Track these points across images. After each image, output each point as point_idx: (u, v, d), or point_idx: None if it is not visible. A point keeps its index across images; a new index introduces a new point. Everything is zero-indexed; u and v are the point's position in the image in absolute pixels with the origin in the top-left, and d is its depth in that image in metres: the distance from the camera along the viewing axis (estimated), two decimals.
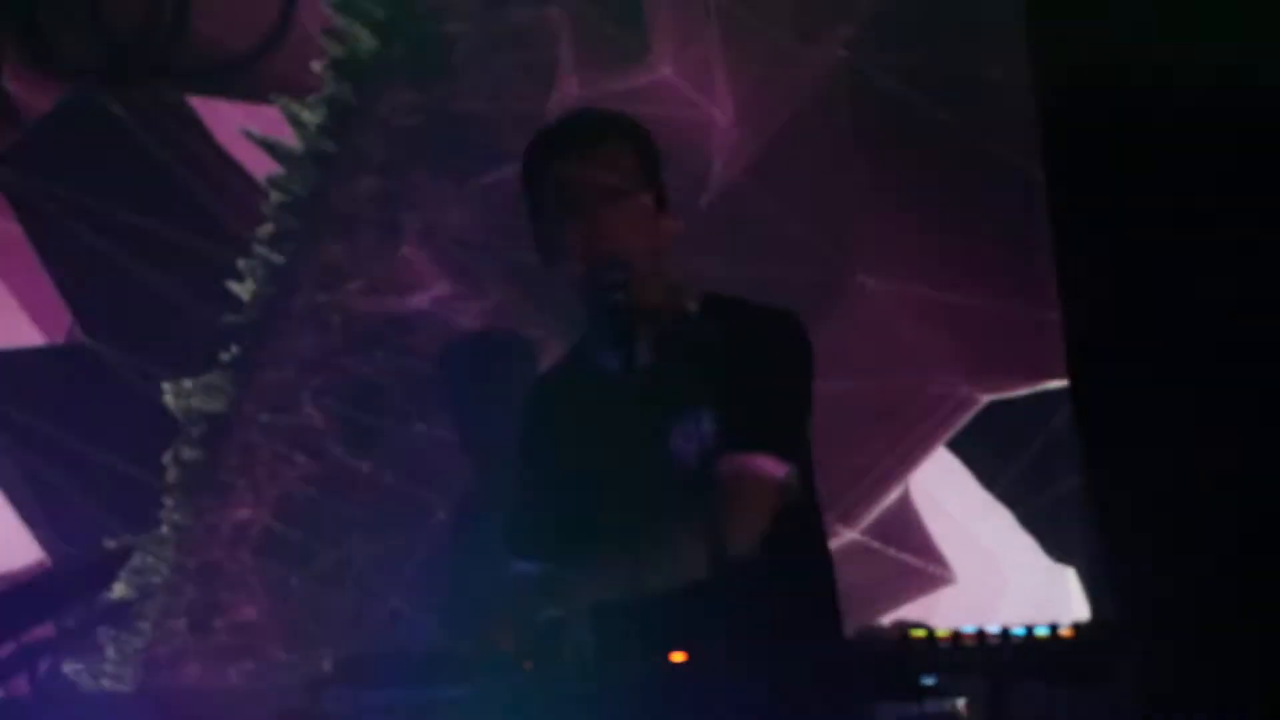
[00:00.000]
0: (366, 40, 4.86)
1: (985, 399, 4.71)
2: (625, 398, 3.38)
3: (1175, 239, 4.35)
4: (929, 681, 2.97)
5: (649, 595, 3.23)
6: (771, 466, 3.37)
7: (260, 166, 4.91)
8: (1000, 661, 2.81)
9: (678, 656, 2.76)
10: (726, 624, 2.80)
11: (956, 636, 2.80)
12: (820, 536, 3.55)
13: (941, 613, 4.63)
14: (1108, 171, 4.31)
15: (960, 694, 2.96)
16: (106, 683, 4.87)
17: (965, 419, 4.71)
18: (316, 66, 4.85)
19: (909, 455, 4.70)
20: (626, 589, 3.24)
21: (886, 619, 4.62)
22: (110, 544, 4.87)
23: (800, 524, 3.46)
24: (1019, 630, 2.80)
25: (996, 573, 4.68)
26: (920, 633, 2.81)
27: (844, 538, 4.69)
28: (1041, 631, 2.80)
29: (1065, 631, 2.80)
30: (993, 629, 2.81)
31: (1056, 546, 4.65)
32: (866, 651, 2.82)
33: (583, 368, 3.52)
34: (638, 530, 3.30)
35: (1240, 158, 4.18)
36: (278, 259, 4.88)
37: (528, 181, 3.54)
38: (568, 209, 3.43)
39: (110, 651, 4.89)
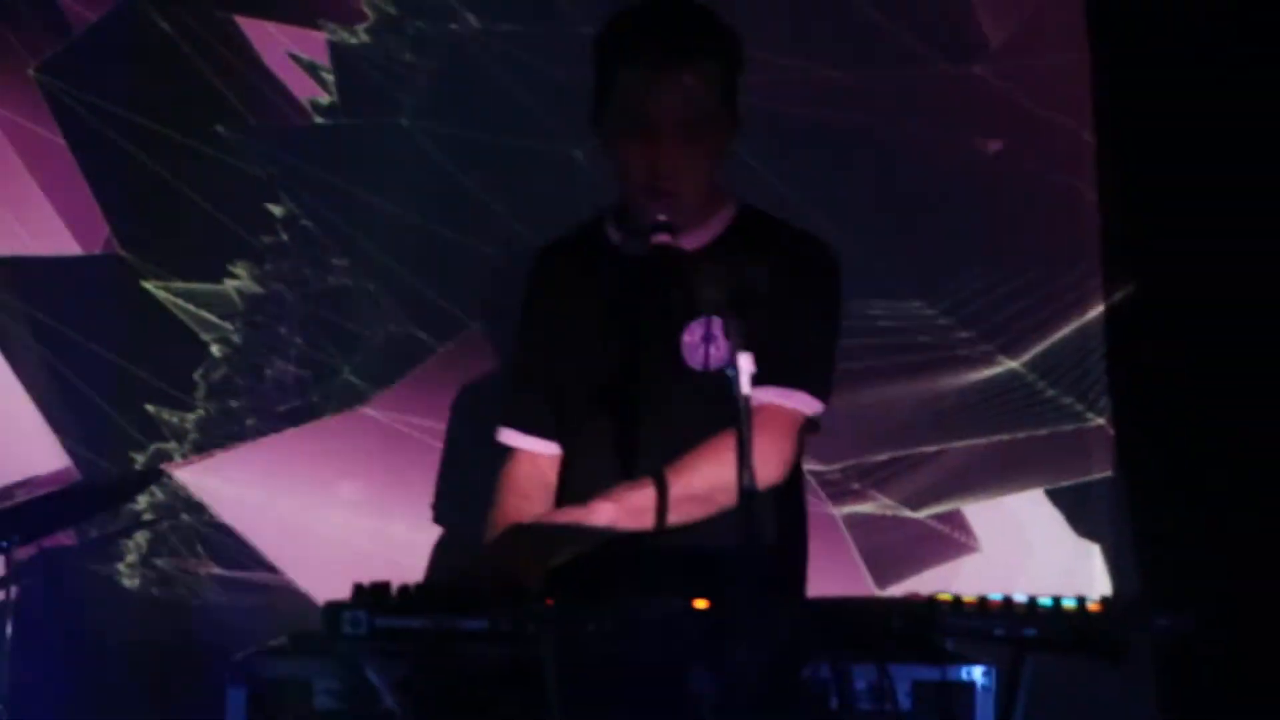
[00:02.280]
0: None
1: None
2: (638, 283, 3.34)
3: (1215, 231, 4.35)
4: (950, 646, 2.95)
5: (673, 523, 3.22)
6: (807, 403, 3.34)
7: (304, 89, 4.88)
8: (1024, 631, 2.78)
9: (701, 604, 2.74)
10: (747, 568, 2.78)
11: (983, 603, 2.77)
12: (801, 479, 3.50)
13: (964, 580, 4.60)
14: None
15: (981, 661, 2.94)
16: (125, 585, 4.87)
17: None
18: None
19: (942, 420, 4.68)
20: (648, 520, 3.22)
21: (908, 583, 4.61)
22: (138, 459, 4.87)
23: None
24: (1046, 601, 2.77)
25: (1021, 544, 4.64)
26: (946, 597, 2.78)
27: (871, 501, 4.66)
28: (1069, 603, 2.77)
29: (1093, 605, 2.77)
30: (1019, 598, 2.78)
31: (1083, 522, 4.62)
32: (892, 612, 2.80)
33: (598, 242, 3.46)
34: (641, 422, 3.26)
35: None
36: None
37: (597, 68, 3.35)
38: (633, 129, 3.32)
39: (131, 559, 4.88)
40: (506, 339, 3.84)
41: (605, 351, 3.40)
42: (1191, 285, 4.39)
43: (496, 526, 3.41)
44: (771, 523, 3.36)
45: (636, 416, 3.34)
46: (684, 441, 3.25)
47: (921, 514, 4.65)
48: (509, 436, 3.55)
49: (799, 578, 3.49)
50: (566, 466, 3.48)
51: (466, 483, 4.47)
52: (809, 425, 3.41)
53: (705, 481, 3.20)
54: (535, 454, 3.51)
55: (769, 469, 3.22)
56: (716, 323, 3.26)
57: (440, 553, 4.72)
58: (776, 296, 3.12)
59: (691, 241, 3.37)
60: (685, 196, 3.33)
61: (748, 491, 2.72)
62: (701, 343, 3.31)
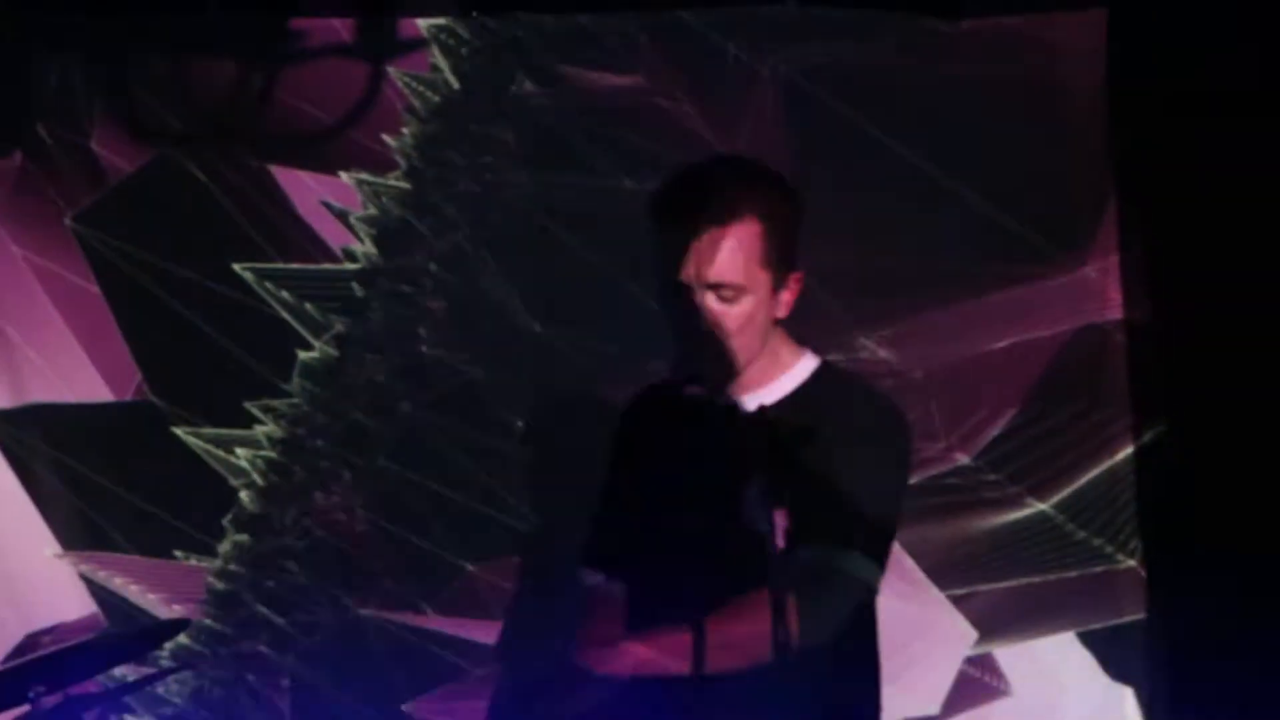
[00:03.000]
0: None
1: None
2: (716, 440, 3.33)
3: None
4: None
5: (705, 670, 3.19)
6: (862, 566, 3.31)
7: (337, 238, 4.94)
8: None
9: None
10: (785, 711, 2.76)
11: None
12: (874, 627, 3.49)
13: None
14: None
15: None
16: None
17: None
18: (389, 140, 4.89)
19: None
20: (681, 666, 3.20)
21: None
22: (167, 612, 4.87)
23: (864, 616, 3.41)
24: None
25: (1053, 688, 4.60)
26: None
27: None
28: None
29: None
30: None
31: (1115, 665, 4.58)
32: None
33: (680, 393, 3.43)
34: (702, 577, 3.25)
35: None
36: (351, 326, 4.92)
37: (651, 224, 3.39)
38: (669, 287, 3.34)
39: (155, 711, 4.87)
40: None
41: (674, 503, 3.41)
42: (1223, 422, 4.39)
43: None
44: (829, 676, 3.32)
45: (696, 569, 3.35)
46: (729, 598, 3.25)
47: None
48: (590, 576, 3.54)
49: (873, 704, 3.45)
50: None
51: None
52: (867, 590, 3.36)
53: (741, 631, 3.18)
54: (614, 596, 3.50)
55: (813, 626, 3.19)
56: (774, 490, 3.26)
57: None
58: (840, 459, 3.11)
59: (756, 400, 3.36)
60: (730, 356, 3.33)
61: (782, 645, 2.72)
62: (759, 509, 3.31)
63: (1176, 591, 4.49)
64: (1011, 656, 4.63)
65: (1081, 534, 4.62)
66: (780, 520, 2.78)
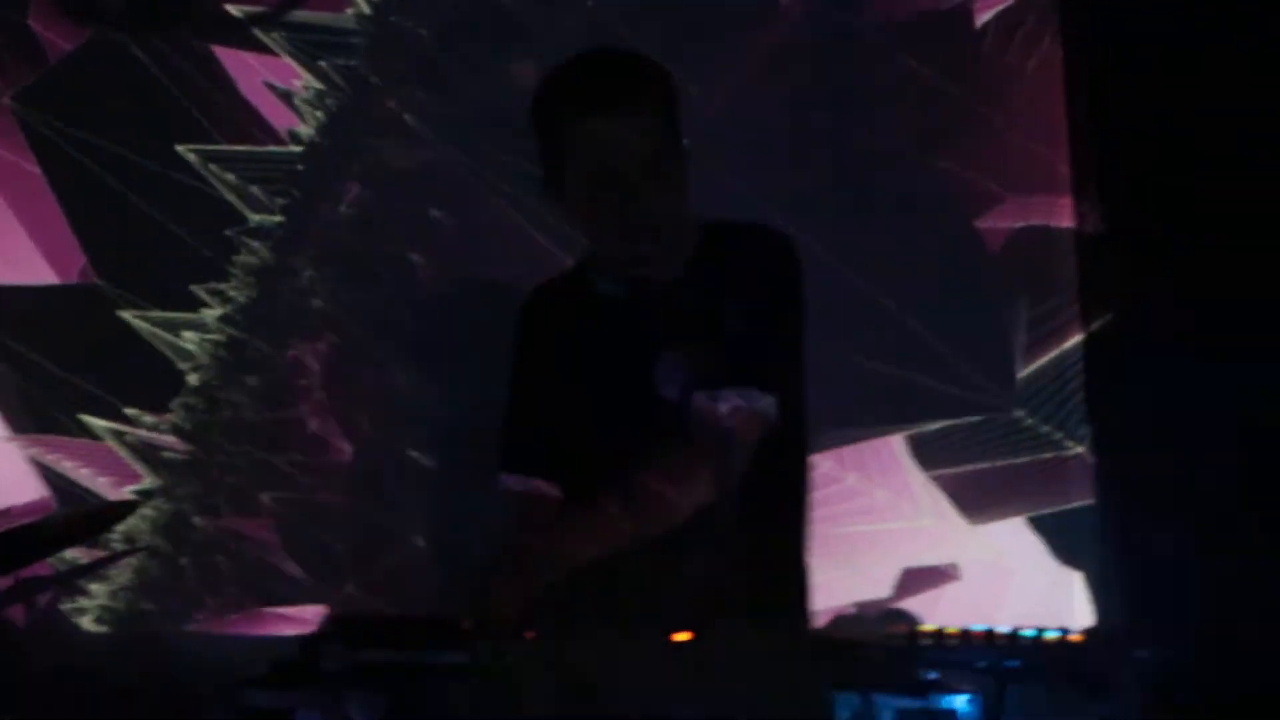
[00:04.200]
0: None
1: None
2: (621, 324, 3.35)
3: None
4: (933, 676, 2.94)
5: (639, 544, 3.22)
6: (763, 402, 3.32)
7: (281, 119, 4.88)
8: (1007, 662, 2.79)
9: (682, 636, 2.73)
10: (716, 589, 2.78)
11: (965, 635, 2.77)
12: (801, 475, 3.49)
13: (944, 608, 4.60)
14: None
15: (965, 689, 2.93)
16: (99, 625, 4.85)
17: None
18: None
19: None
20: (618, 541, 3.22)
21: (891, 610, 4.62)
22: (117, 494, 4.86)
23: (782, 462, 3.42)
24: (1029, 632, 2.77)
25: (1001, 572, 4.64)
26: (929, 628, 2.78)
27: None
28: (1051, 634, 2.77)
29: (1075, 636, 2.77)
30: (1002, 629, 2.78)
31: (1064, 550, 4.62)
32: (874, 645, 2.80)
33: (583, 287, 3.45)
34: (624, 461, 3.26)
35: None
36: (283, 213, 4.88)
37: (545, 130, 3.37)
38: (601, 181, 3.34)
39: (104, 594, 4.87)
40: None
41: (591, 392, 3.41)
42: (1170, 311, 4.40)
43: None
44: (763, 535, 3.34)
45: (623, 453, 3.34)
46: None
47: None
48: (514, 482, 3.53)
49: (800, 597, 3.47)
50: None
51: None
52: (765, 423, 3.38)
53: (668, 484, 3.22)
54: (542, 496, 3.50)
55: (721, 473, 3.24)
56: (681, 358, 3.28)
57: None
58: (739, 310, 3.14)
59: (664, 274, 3.37)
60: (665, 232, 3.33)
61: (727, 517, 2.73)
62: (671, 381, 3.32)
63: (1124, 477, 4.52)
64: (961, 541, 4.65)
65: (1030, 420, 4.63)
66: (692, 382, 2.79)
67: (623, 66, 3.37)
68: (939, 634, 2.77)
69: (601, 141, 3.29)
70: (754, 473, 3.23)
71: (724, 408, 3.21)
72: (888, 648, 2.79)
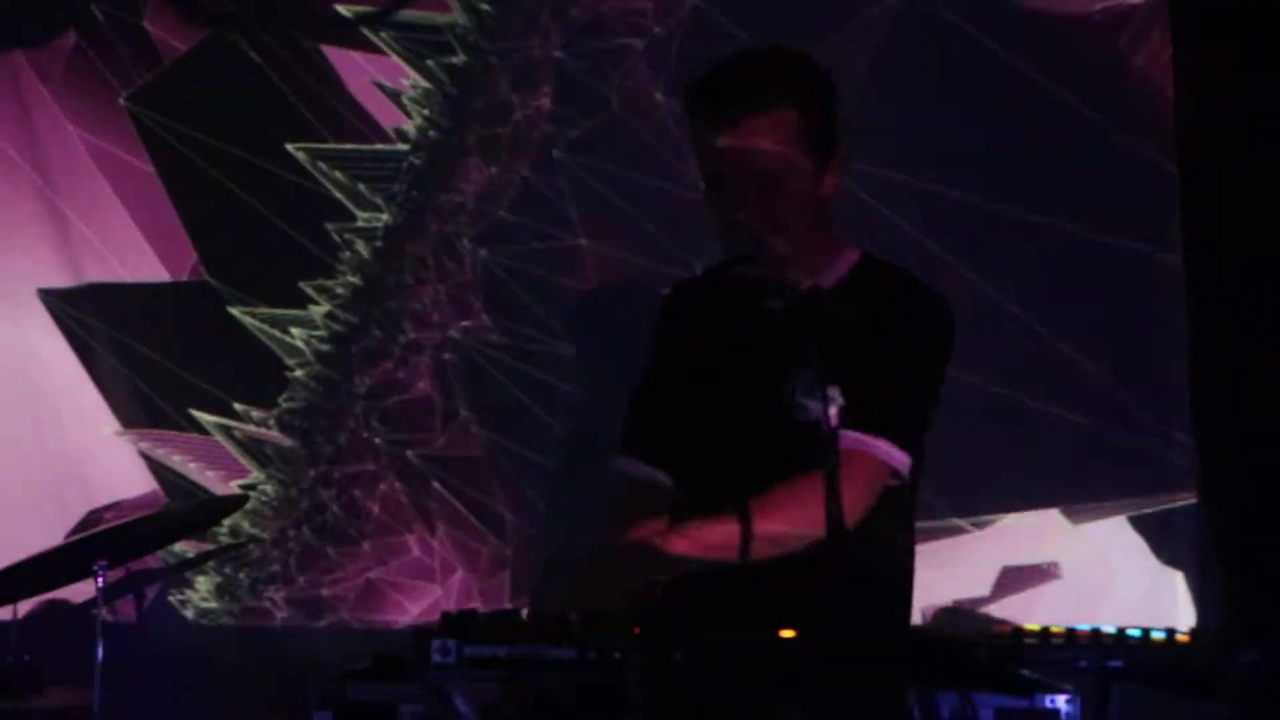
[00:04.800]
0: None
1: None
2: (758, 329, 3.34)
3: None
4: (1034, 676, 2.95)
5: (751, 559, 3.22)
6: (892, 454, 3.33)
7: (388, 117, 4.94)
8: (1111, 662, 2.78)
9: (787, 633, 2.75)
10: (831, 602, 2.78)
11: (1070, 634, 2.76)
12: (910, 521, 3.51)
13: (1045, 606, 4.59)
14: None
15: (1066, 689, 2.94)
16: (207, 618, 4.92)
17: None
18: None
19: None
20: (730, 552, 3.23)
21: (990, 609, 4.61)
22: (225, 488, 4.92)
23: (897, 508, 3.43)
24: (1134, 632, 2.76)
25: (1103, 571, 4.62)
26: (1034, 628, 2.78)
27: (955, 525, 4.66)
28: (1157, 635, 2.76)
29: (1182, 636, 2.76)
30: (1108, 629, 2.78)
31: (1166, 550, 4.59)
32: (979, 643, 2.80)
33: (726, 283, 3.43)
34: (745, 464, 3.27)
35: None
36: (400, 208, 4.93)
37: (687, 121, 3.41)
38: (711, 181, 3.37)
39: (213, 587, 4.93)
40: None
41: (722, 390, 3.42)
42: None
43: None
44: (869, 557, 3.34)
45: (742, 457, 3.36)
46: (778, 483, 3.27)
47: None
48: (628, 465, 3.56)
49: (903, 610, 3.47)
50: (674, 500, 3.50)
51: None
52: (894, 476, 3.38)
53: (783, 522, 3.23)
54: (654, 484, 3.52)
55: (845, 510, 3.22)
56: (821, 378, 3.27)
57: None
58: (882, 344, 3.13)
59: (797, 282, 3.37)
60: (774, 247, 3.33)
61: (836, 523, 2.74)
62: (807, 399, 3.32)
63: (1229, 476, 4.49)
64: (1062, 539, 4.64)
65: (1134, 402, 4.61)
66: (835, 395, 2.79)
67: (750, 71, 3.35)
68: (1044, 633, 2.76)
69: (711, 148, 3.33)
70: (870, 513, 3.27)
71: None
72: (990, 646, 2.78)
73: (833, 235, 3.44)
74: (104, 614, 4.21)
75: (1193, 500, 4.57)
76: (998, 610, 4.60)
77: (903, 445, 3.33)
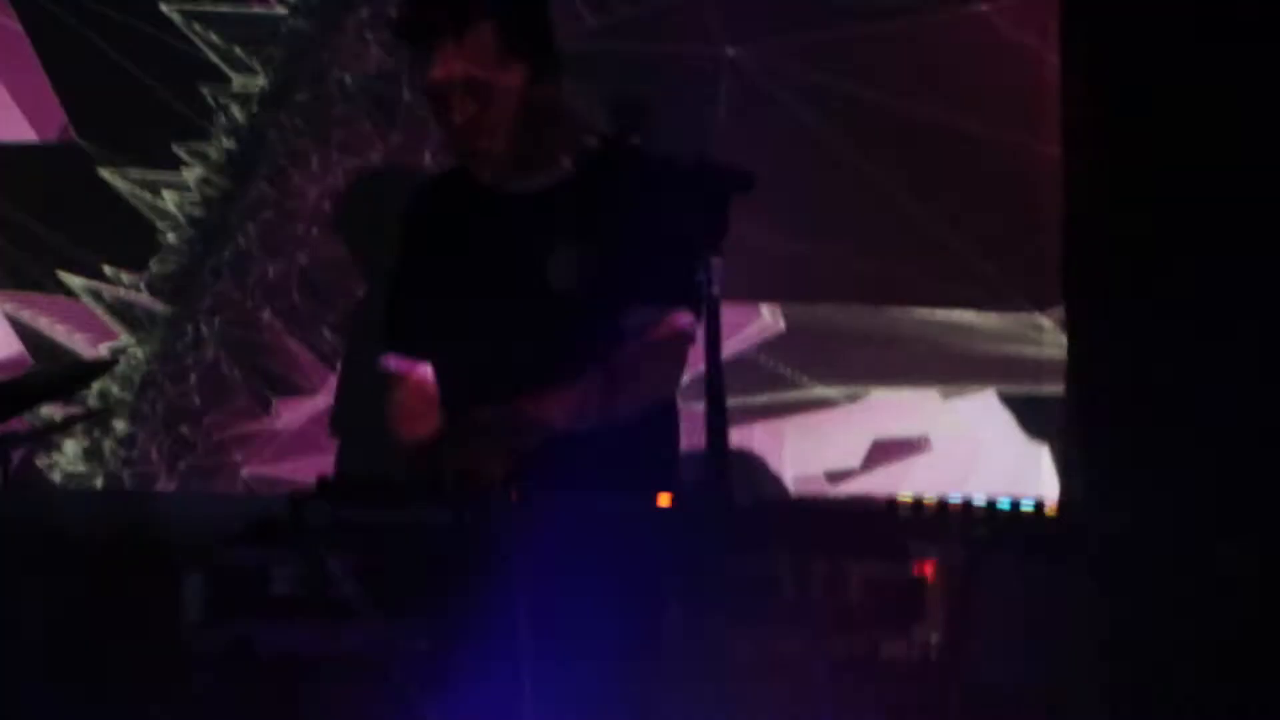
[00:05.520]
0: None
1: None
2: (506, 216, 3.41)
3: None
4: (907, 545, 3.00)
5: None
6: (689, 323, 3.40)
7: None
8: (981, 531, 2.83)
9: (664, 500, 2.78)
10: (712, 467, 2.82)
11: (942, 505, 2.81)
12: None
13: (914, 479, 4.66)
14: None
15: (936, 558, 2.99)
16: (74, 481, 4.89)
17: None
18: None
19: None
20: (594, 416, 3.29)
21: (860, 480, 4.68)
22: (93, 352, 4.88)
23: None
24: (1004, 503, 2.82)
25: (971, 444, 4.70)
26: (906, 498, 2.82)
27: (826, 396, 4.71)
28: (1027, 506, 2.81)
29: (1049, 509, 2.82)
30: (979, 500, 2.83)
31: (1033, 423, 4.67)
32: (851, 511, 2.84)
33: (466, 181, 3.54)
34: (503, 351, 3.35)
35: None
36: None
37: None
38: (428, 99, 3.48)
39: (81, 451, 4.90)
40: None
41: (478, 283, 3.48)
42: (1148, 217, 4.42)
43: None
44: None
45: (508, 340, 3.41)
46: (552, 362, 3.35)
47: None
48: (396, 363, 3.60)
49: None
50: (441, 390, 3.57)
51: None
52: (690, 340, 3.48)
53: (647, 387, 3.33)
54: (421, 377, 3.57)
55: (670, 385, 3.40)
56: (581, 252, 3.37)
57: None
58: (631, 223, 3.23)
59: (537, 183, 3.44)
60: (495, 150, 3.40)
61: (716, 391, 2.78)
62: (568, 273, 3.40)
63: (1098, 354, 4.55)
64: (932, 413, 4.71)
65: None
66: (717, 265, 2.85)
67: None
68: (916, 504, 2.81)
69: (422, 67, 3.45)
70: None
71: None
72: (860, 514, 2.83)
73: (561, 130, 3.51)
74: None
75: (1061, 378, 4.64)
76: (868, 482, 4.67)
77: (694, 311, 3.39)
